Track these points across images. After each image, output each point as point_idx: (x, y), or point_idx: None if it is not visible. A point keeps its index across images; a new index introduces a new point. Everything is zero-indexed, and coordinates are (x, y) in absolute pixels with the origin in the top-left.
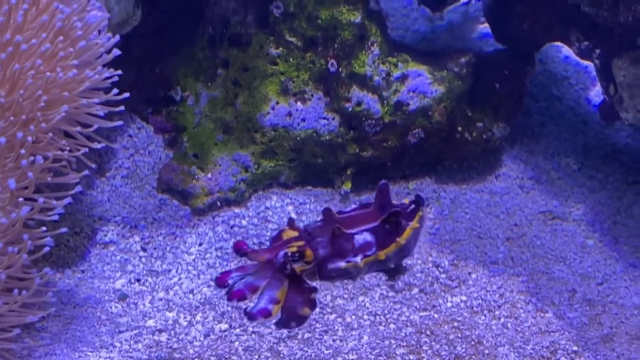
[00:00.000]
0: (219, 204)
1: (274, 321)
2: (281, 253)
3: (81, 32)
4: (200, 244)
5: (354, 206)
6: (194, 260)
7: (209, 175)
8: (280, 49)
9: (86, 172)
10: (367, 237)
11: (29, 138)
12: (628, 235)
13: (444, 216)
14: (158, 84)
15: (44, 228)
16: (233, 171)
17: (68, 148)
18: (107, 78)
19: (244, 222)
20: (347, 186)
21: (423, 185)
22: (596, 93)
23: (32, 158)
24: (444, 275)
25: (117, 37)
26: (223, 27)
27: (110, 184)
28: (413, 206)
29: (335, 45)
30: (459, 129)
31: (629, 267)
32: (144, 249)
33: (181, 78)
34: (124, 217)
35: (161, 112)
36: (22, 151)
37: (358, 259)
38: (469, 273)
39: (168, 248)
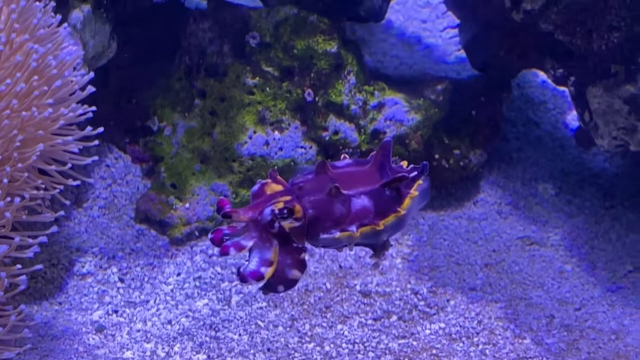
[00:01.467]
0: (197, 233)
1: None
2: (267, 210)
3: (56, 70)
4: (179, 274)
5: (347, 159)
6: (172, 290)
7: (187, 205)
8: (257, 78)
9: (62, 212)
10: (366, 202)
11: (5, 180)
12: (606, 260)
13: (422, 243)
14: (135, 114)
15: (19, 266)
16: (211, 201)
17: (44, 186)
18: (81, 114)
19: None
20: None
21: None
22: (573, 117)
23: (9, 199)
24: (422, 303)
25: (91, 74)
26: (199, 58)
27: (87, 215)
28: (415, 173)
29: (312, 74)
30: (436, 156)
31: (607, 292)
32: (121, 280)
33: (158, 108)
34: (101, 248)
35: (139, 142)
36: None
37: (354, 227)
38: (448, 300)
39: (146, 279)
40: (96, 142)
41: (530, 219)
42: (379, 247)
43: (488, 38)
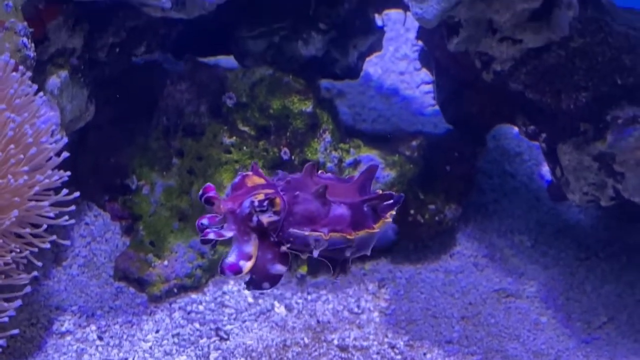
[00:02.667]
0: (175, 290)
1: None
2: (246, 202)
3: (32, 139)
4: (157, 331)
5: (329, 175)
6: (150, 347)
7: (165, 262)
8: (234, 137)
9: (35, 273)
10: (344, 211)
11: None
12: (581, 311)
13: (399, 296)
14: (114, 172)
15: None
16: (189, 258)
17: (19, 250)
18: (56, 180)
19: (200, 308)
20: (304, 270)
21: (379, 266)
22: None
23: None
24: (399, 357)
25: (65, 140)
26: (177, 118)
27: (67, 273)
28: (391, 201)
29: (288, 133)
30: (412, 211)
31: (582, 343)
32: (100, 338)
33: (137, 167)
34: (80, 306)
35: (118, 200)
36: None
37: (326, 230)
38: (424, 354)
39: (125, 336)
40: (73, 207)
41: (507, 270)
42: (339, 265)
43: (461, 95)
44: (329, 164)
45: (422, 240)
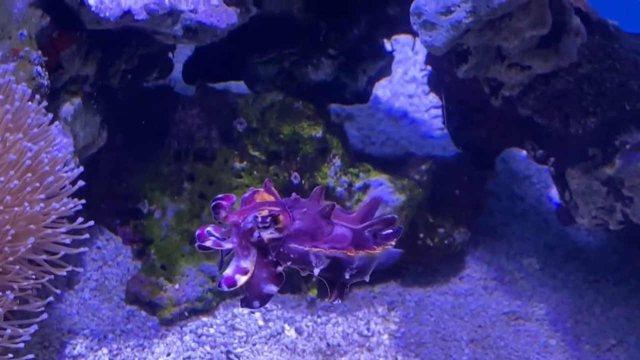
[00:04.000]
0: (186, 314)
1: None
2: (249, 217)
3: (48, 167)
4: (168, 354)
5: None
6: None
7: (177, 286)
8: (245, 162)
9: (51, 299)
10: (346, 232)
11: None
12: (589, 334)
13: (409, 319)
14: (126, 196)
15: (10, 355)
16: (200, 281)
17: (34, 277)
18: (72, 208)
19: (211, 331)
20: (314, 293)
21: (389, 289)
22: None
23: (0, 293)
24: None
25: (81, 169)
26: (188, 142)
27: (78, 297)
28: (391, 231)
29: (298, 158)
30: (421, 235)
31: None
32: None
33: (148, 192)
34: (92, 329)
35: (129, 224)
36: None
37: (326, 246)
38: None
39: (136, 359)
40: (87, 235)
41: (516, 293)
42: (337, 286)
43: (470, 119)
44: (338, 189)
45: (431, 263)
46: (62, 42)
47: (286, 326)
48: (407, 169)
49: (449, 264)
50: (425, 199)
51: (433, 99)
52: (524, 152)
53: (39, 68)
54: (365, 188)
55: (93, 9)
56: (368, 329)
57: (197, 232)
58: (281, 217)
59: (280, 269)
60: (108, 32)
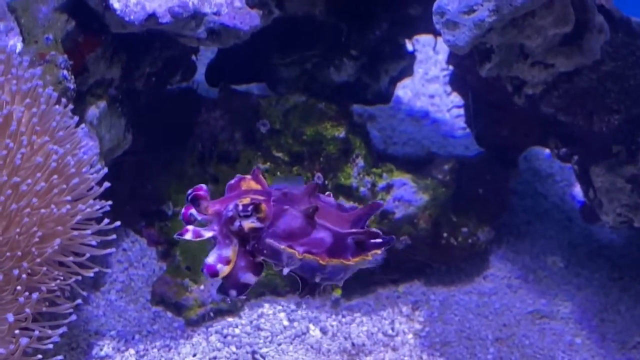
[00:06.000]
0: (212, 314)
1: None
2: (231, 205)
3: (74, 169)
4: (194, 355)
5: (331, 199)
6: None
7: (202, 287)
8: (268, 163)
9: (79, 301)
10: (326, 236)
11: (24, 276)
12: (615, 332)
13: (433, 318)
14: (151, 198)
15: (39, 356)
16: None
17: (62, 278)
18: (98, 209)
19: (237, 331)
20: (338, 292)
21: (412, 288)
22: (580, 189)
23: (27, 294)
24: None
25: (106, 170)
26: (212, 144)
27: (105, 299)
28: (380, 241)
29: (321, 159)
30: (444, 234)
31: None
32: None
33: (172, 193)
34: (119, 330)
35: (154, 226)
36: (19, 287)
37: (301, 249)
38: None
39: None
40: (114, 236)
41: (540, 292)
42: (308, 286)
43: (492, 118)
44: (362, 189)
45: (455, 262)
46: (87, 46)
47: (311, 326)
48: (430, 168)
49: (473, 263)
50: (449, 198)
51: (454, 98)
52: (547, 150)
53: (65, 72)
54: (388, 188)
55: (118, 12)
56: (392, 329)
57: (182, 211)
58: (263, 206)
59: (260, 258)
60: (132, 36)
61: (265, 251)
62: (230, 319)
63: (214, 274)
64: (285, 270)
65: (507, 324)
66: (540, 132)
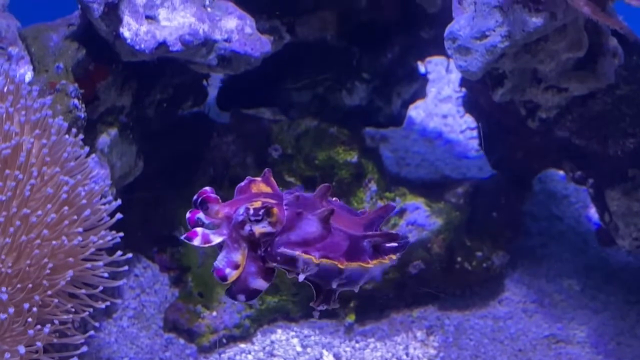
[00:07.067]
0: (224, 340)
1: None
2: (241, 209)
3: (85, 200)
4: None
5: (342, 203)
6: None
7: (214, 313)
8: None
9: (92, 332)
10: (342, 240)
11: (34, 308)
12: (632, 356)
13: (448, 343)
14: (162, 224)
15: None
16: (238, 308)
17: (73, 310)
18: (109, 240)
19: (249, 357)
20: (351, 318)
21: (427, 313)
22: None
23: (39, 327)
24: None
25: (119, 202)
26: (224, 169)
27: (117, 325)
28: (396, 245)
29: (333, 183)
30: (458, 259)
31: None
32: None
33: (184, 219)
34: (131, 358)
35: (166, 251)
36: (30, 319)
37: (317, 254)
38: None
39: None
40: (126, 267)
41: (556, 316)
42: (322, 293)
43: (506, 141)
44: None
45: (469, 287)
46: (98, 74)
47: (324, 352)
48: (443, 191)
49: (488, 287)
50: (463, 222)
51: (467, 119)
52: (562, 172)
53: (75, 101)
54: (401, 212)
55: (128, 41)
56: (407, 354)
57: (188, 215)
58: (275, 210)
59: (271, 264)
60: (143, 63)
61: (278, 258)
62: (242, 345)
63: (223, 278)
64: (301, 277)
65: (522, 349)
66: (555, 156)
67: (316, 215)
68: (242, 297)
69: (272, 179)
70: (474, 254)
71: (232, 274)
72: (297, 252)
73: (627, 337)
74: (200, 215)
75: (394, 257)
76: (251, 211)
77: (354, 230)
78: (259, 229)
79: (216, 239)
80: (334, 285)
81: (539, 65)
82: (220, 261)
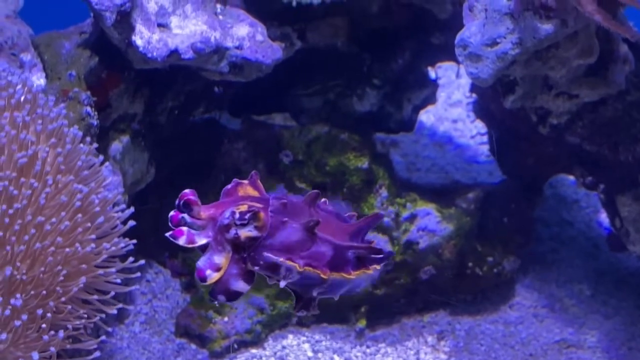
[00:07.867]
0: (236, 346)
1: None
2: (227, 212)
3: (98, 208)
4: None
5: (331, 208)
6: None
7: (226, 318)
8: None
9: (103, 337)
10: (327, 249)
11: (48, 314)
12: None
13: (459, 348)
14: None
15: None
16: (249, 314)
17: (86, 316)
18: (122, 247)
19: None
20: (362, 323)
21: (438, 318)
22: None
23: (52, 332)
24: None
25: (132, 209)
26: (235, 175)
27: (129, 331)
28: (380, 256)
29: (344, 189)
30: (469, 264)
31: None
32: None
33: None
34: None
35: (178, 257)
36: (43, 325)
37: (302, 262)
38: None
39: None
40: (138, 273)
41: (567, 321)
42: (304, 300)
43: (516, 147)
44: (386, 219)
45: (481, 292)
46: (110, 82)
47: (335, 357)
48: (454, 197)
49: (499, 292)
50: (473, 227)
51: (478, 123)
52: (572, 177)
53: (88, 108)
54: (412, 218)
55: (141, 49)
56: (418, 359)
57: (171, 214)
58: (261, 215)
59: (253, 268)
60: (155, 71)
61: (261, 262)
62: (254, 351)
63: (203, 279)
64: (282, 283)
65: (533, 354)
66: (566, 161)
67: (302, 225)
68: (222, 297)
69: (259, 182)
70: (484, 259)
71: (213, 276)
72: (281, 259)
73: (638, 342)
74: (185, 215)
75: (377, 267)
76: (237, 215)
77: (339, 239)
78: (245, 232)
79: (201, 241)
80: (315, 294)
81: (550, 72)
82: (202, 262)
